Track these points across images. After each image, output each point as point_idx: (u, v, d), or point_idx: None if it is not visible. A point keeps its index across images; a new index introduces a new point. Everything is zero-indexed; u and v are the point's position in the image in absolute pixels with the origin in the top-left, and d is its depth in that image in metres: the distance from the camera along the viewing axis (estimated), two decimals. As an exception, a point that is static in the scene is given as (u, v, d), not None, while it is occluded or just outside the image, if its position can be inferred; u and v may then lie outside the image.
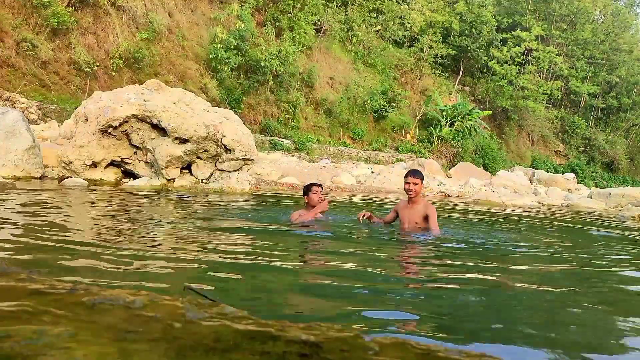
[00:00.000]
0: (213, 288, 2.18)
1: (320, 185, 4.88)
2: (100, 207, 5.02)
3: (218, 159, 8.00)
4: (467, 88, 31.71)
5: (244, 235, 4.08)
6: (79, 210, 4.63)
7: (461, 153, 25.88)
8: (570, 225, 7.26)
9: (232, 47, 19.39)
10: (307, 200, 4.78)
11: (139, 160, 8.07)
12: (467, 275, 2.96)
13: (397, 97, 25.05)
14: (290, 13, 22.64)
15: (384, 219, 4.86)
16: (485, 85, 31.05)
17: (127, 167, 8.06)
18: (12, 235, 3.02)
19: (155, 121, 7.63)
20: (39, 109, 13.82)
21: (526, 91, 29.44)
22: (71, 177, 7.43)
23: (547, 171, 24.42)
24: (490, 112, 29.34)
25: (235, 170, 8.11)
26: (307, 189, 4.81)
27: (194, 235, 3.73)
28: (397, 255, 3.67)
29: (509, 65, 29.17)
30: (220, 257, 2.95)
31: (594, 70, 34.64)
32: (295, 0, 22.22)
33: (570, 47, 33.76)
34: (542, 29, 30.85)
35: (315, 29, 24.30)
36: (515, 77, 29.32)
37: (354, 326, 1.75)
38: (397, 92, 25.24)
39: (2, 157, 6.95)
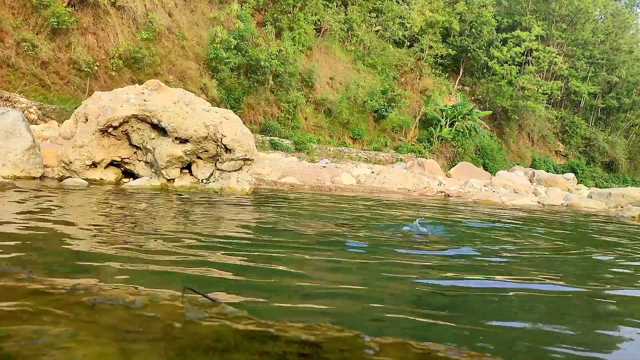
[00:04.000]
0: (213, 288, 2.18)
1: None
2: (100, 207, 5.01)
3: (218, 159, 7.99)
4: (467, 88, 31.71)
5: (244, 235, 4.08)
6: (78, 210, 4.63)
7: (461, 153, 25.89)
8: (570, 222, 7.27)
9: (232, 47, 19.38)
10: None
11: (139, 160, 8.07)
12: (468, 276, 2.96)
13: (397, 97, 25.06)
14: (290, 13, 22.64)
15: None
16: (485, 85, 31.05)
17: (127, 167, 8.05)
18: (12, 235, 3.01)
19: (155, 121, 7.63)
20: (39, 109, 13.82)
21: (526, 91, 29.45)
22: (71, 177, 7.43)
23: (547, 171, 24.43)
24: (490, 112, 29.34)
25: (235, 170, 8.10)
26: None
27: (194, 235, 3.73)
28: (398, 255, 3.66)
29: (509, 65, 29.17)
30: (220, 257, 2.95)
31: (594, 70, 34.64)
32: (295, 0, 22.22)
33: (570, 47, 33.76)
34: (542, 29, 30.85)
35: (315, 29, 24.31)
36: (515, 77, 29.32)
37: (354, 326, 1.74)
38: (397, 92, 25.25)
39: (2, 157, 6.95)
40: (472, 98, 31.11)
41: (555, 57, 30.47)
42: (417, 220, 4.91)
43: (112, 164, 8.00)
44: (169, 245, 3.23)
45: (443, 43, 28.44)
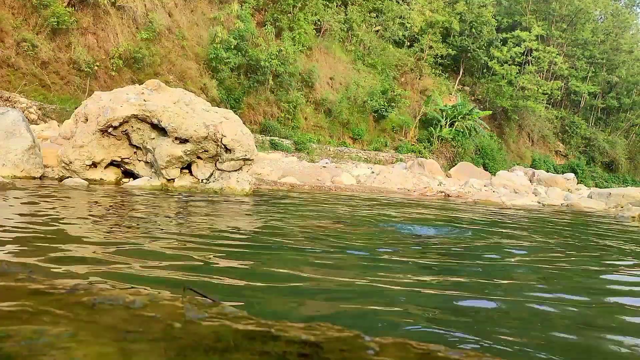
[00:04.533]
0: (213, 288, 2.18)
1: None
2: (100, 207, 5.02)
3: (218, 159, 7.99)
4: (467, 88, 31.71)
5: (244, 235, 4.08)
6: (78, 211, 4.63)
7: (461, 153, 25.89)
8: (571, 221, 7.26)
9: (232, 47, 19.38)
10: None
11: (139, 160, 8.07)
12: (468, 274, 2.96)
13: (397, 97, 25.05)
14: (290, 13, 22.64)
15: None
16: (485, 85, 31.05)
17: (127, 167, 8.05)
18: (12, 235, 3.01)
19: (155, 121, 7.63)
20: (39, 109, 13.82)
21: (526, 91, 29.45)
22: (71, 177, 7.43)
23: (547, 171, 24.43)
24: (490, 112, 29.34)
25: (235, 170, 8.10)
26: None
27: (194, 235, 3.73)
28: (398, 256, 3.66)
29: (509, 65, 29.17)
30: (220, 257, 2.96)
31: (594, 70, 34.65)
32: (295, 0, 22.22)
33: (570, 47, 33.76)
34: (542, 29, 30.86)
35: (315, 29, 24.31)
36: (515, 77, 29.31)
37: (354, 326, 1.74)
38: (397, 92, 25.25)
39: (2, 157, 6.95)
40: (472, 98, 31.11)
41: (555, 57, 30.48)
42: (400, 223, 4.92)
43: (112, 164, 8.01)
44: (168, 245, 3.23)
45: (443, 43, 28.44)
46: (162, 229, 3.93)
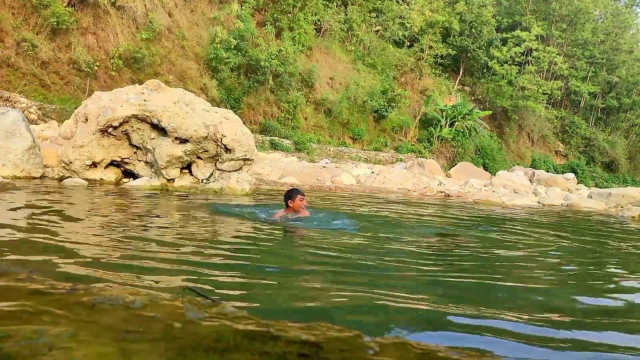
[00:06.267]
0: (213, 288, 2.18)
1: (304, 194, 5.04)
2: (100, 207, 5.01)
3: (218, 159, 7.99)
4: (467, 88, 31.69)
5: (244, 235, 4.08)
6: (78, 211, 4.62)
7: (461, 153, 25.87)
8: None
9: (232, 47, 19.38)
10: (290, 205, 4.91)
11: (139, 160, 8.07)
12: (465, 273, 2.96)
13: (397, 97, 25.03)
14: (290, 13, 22.62)
15: None
16: (485, 85, 31.02)
17: (127, 167, 8.05)
18: (13, 235, 3.01)
19: (155, 121, 7.62)
20: (39, 109, 13.81)
21: (526, 91, 29.41)
22: (71, 177, 7.43)
23: (547, 171, 24.41)
24: (490, 112, 29.31)
25: (235, 170, 8.10)
26: (292, 196, 4.91)
27: (194, 235, 3.73)
28: (399, 256, 3.67)
29: (509, 65, 29.13)
30: (220, 257, 2.95)
31: (594, 70, 34.61)
32: (295, 0, 22.20)
33: (570, 47, 33.73)
34: (542, 29, 30.83)
35: (315, 29, 24.29)
36: (515, 77, 29.28)
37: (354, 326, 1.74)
38: (397, 92, 25.23)
39: (2, 157, 6.95)
40: (472, 98, 31.09)
41: (555, 57, 30.45)
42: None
43: (112, 164, 8.00)
44: (168, 245, 3.23)
45: (443, 43, 28.40)
46: (161, 230, 3.93)
